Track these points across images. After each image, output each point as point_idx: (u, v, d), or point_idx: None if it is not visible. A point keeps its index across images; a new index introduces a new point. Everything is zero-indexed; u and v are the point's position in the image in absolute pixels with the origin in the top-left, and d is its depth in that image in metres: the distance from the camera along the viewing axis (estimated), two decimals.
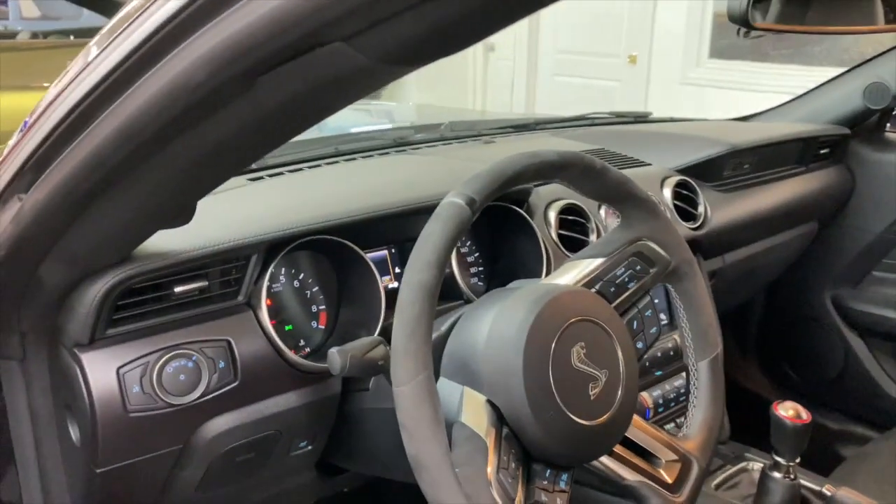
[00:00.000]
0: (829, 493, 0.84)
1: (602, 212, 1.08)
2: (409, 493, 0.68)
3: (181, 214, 0.62)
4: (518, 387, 0.64)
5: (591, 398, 0.67)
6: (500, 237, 1.02)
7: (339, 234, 0.83)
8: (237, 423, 0.77)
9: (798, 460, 1.00)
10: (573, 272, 0.77)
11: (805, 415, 0.98)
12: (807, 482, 1.01)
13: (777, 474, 1.00)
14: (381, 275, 0.88)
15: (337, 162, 1.11)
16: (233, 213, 0.81)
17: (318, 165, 1.08)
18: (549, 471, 0.68)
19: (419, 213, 0.85)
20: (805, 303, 1.69)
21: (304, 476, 0.92)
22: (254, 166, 1.05)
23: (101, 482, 0.72)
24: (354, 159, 1.13)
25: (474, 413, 0.66)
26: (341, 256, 0.87)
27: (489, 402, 0.66)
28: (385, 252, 0.94)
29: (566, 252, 1.00)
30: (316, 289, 0.88)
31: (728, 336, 1.76)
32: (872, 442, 1.32)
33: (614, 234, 0.78)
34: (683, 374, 1.13)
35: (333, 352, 0.66)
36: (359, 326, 0.87)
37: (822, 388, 1.67)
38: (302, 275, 0.87)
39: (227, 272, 0.76)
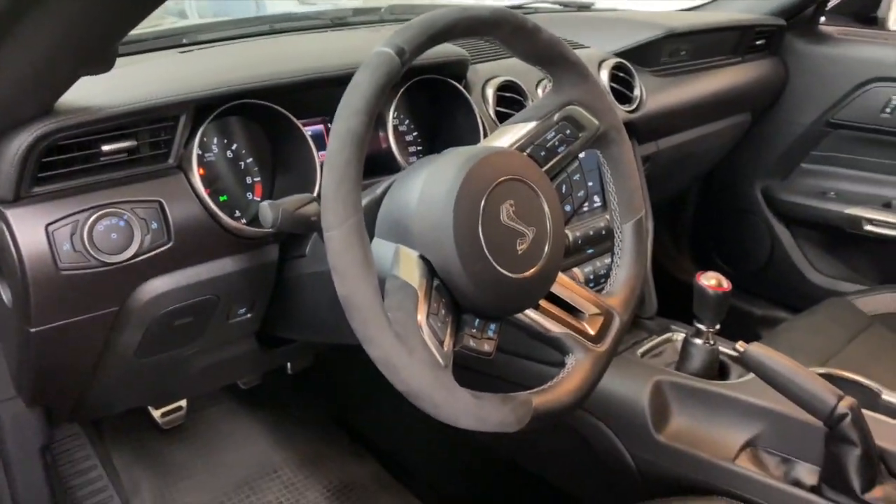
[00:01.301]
0: (741, 350, 0.90)
1: (539, 90, 1.09)
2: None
3: (101, 58, 0.60)
4: (448, 240, 0.66)
5: (519, 253, 0.70)
6: (438, 114, 1.03)
7: (273, 100, 0.82)
8: (173, 286, 0.77)
9: (718, 327, 1.06)
10: (505, 136, 0.78)
11: (726, 283, 1.04)
12: (724, 348, 1.08)
13: (698, 340, 1.07)
14: (318, 150, 0.87)
15: (272, 38, 1.09)
16: (161, 74, 0.79)
17: (252, 41, 1.06)
18: (477, 320, 0.72)
19: None
20: (736, 195, 1.75)
21: (244, 345, 0.94)
22: (184, 41, 1.02)
23: (36, 342, 0.73)
24: (290, 35, 1.11)
25: (407, 267, 0.67)
26: (276, 126, 0.86)
27: (421, 256, 0.68)
28: (321, 126, 0.94)
29: (498, 123, 1.01)
30: (250, 159, 0.88)
31: (661, 228, 1.82)
32: (787, 321, 1.41)
33: (546, 98, 0.79)
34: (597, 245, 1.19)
35: (265, 205, 0.67)
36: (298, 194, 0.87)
37: (749, 277, 1.76)
38: (235, 145, 0.86)
39: (155, 133, 0.75)
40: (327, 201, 0.60)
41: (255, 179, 0.88)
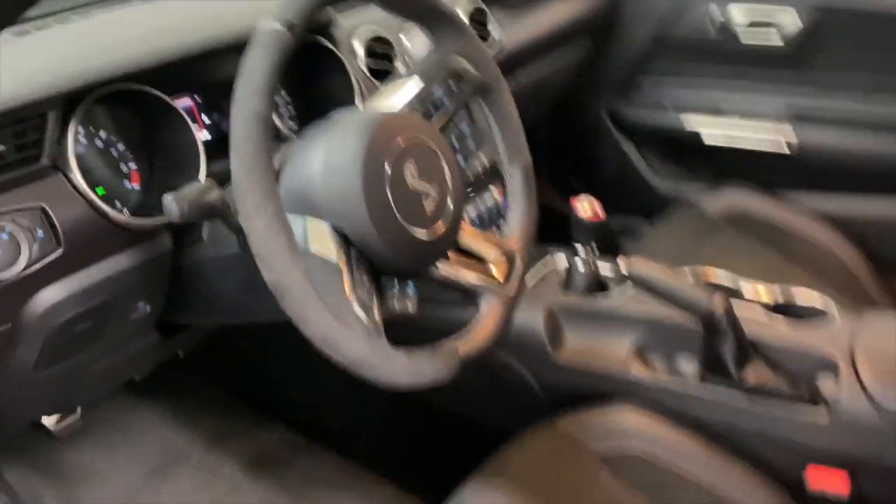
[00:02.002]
0: (624, 268, 0.99)
1: (408, 41, 1.09)
2: None
3: None
4: (360, 208, 0.67)
5: (427, 211, 0.72)
6: (307, 75, 1.01)
7: (141, 81, 0.77)
8: (69, 293, 0.73)
9: (595, 248, 1.15)
10: (394, 97, 0.79)
11: (600, 210, 1.13)
12: (603, 267, 1.17)
13: (580, 263, 1.16)
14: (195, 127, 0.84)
15: (111, 10, 1.00)
16: (14, 67, 0.72)
17: (89, 13, 0.97)
18: (396, 281, 0.74)
19: (228, 52, 0.81)
20: (584, 117, 1.85)
21: (146, 339, 0.91)
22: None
23: None
24: (130, 3, 1.02)
25: (320, 240, 0.68)
26: (145, 107, 0.81)
27: (333, 227, 0.69)
28: (190, 101, 0.89)
29: (376, 82, 1.01)
30: (122, 146, 0.83)
31: None
32: (646, 231, 1.54)
33: (428, 55, 0.81)
34: (494, 189, 1.23)
35: (168, 198, 0.64)
36: (178, 179, 0.83)
37: (602, 192, 1.88)
38: (104, 132, 0.81)
39: (21, 134, 0.69)
40: (242, 190, 0.59)
41: (131, 166, 0.84)
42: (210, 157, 0.83)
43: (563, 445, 0.98)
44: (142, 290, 0.82)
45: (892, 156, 1.50)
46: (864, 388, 0.90)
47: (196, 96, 0.89)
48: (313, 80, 1.01)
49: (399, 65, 1.06)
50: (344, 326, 0.63)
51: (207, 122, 0.90)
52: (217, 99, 0.90)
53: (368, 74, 1.01)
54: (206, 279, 0.83)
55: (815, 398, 0.93)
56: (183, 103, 0.87)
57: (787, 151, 1.56)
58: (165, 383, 1.31)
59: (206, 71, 0.86)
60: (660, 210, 1.63)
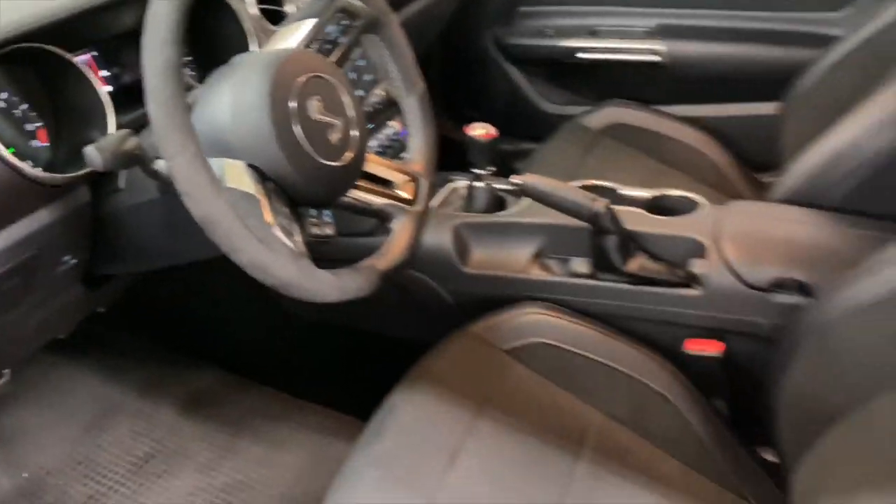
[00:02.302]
0: (519, 182, 1.08)
1: None
2: None
3: None
4: (271, 145, 0.73)
5: (333, 142, 0.78)
6: (201, 26, 1.02)
7: (39, 40, 0.79)
8: None
9: (491, 169, 1.24)
10: (291, 38, 0.84)
11: (493, 131, 1.22)
12: (500, 185, 1.27)
13: (479, 184, 1.25)
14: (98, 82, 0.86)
15: None
16: None
17: None
18: (313, 210, 0.80)
19: (121, 5, 0.83)
20: (471, 46, 1.92)
21: (72, 292, 0.94)
22: None
23: None
24: None
25: (238, 178, 0.74)
26: (45, 66, 0.83)
27: (249, 165, 0.74)
28: (88, 56, 0.91)
29: (271, 26, 1.04)
30: (25, 106, 0.84)
31: None
32: (535, 150, 1.65)
33: None
34: (390, 121, 1.30)
35: (90, 150, 0.68)
36: (86, 133, 0.86)
37: (495, 119, 1.97)
38: (4, 93, 0.82)
39: None
40: (163, 133, 0.64)
41: (37, 125, 0.85)
42: (115, 110, 0.85)
43: (477, 346, 1.09)
44: (66, 243, 0.85)
45: (752, 63, 1.66)
46: (729, 266, 1.05)
47: (94, 51, 0.91)
48: (208, 30, 1.03)
49: (289, 7, 1.09)
50: (271, 251, 0.69)
51: (107, 75, 0.92)
52: (115, 52, 0.92)
53: (261, 18, 1.04)
54: (128, 227, 0.87)
55: (689, 280, 1.07)
56: (82, 59, 0.88)
57: (658, 60, 1.69)
58: (90, 340, 1.33)
59: (102, 26, 0.88)
60: (549, 132, 1.73)
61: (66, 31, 0.82)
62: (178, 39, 0.65)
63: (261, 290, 1.31)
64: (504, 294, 1.15)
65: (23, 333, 0.93)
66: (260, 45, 1.01)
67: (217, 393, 1.35)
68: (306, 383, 1.37)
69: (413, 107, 0.94)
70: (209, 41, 1.02)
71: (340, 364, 1.36)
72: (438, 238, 1.17)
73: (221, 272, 1.30)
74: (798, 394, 0.93)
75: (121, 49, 0.94)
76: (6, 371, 1.15)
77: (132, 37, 0.93)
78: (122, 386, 1.34)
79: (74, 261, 0.88)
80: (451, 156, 1.36)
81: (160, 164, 0.74)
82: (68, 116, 0.86)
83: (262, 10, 1.06)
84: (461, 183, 1.29)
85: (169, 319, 1.44)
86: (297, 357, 1.41)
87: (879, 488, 0.74)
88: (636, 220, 1.11)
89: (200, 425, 1.29)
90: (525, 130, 1.91)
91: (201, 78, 0.98)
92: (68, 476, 1.20)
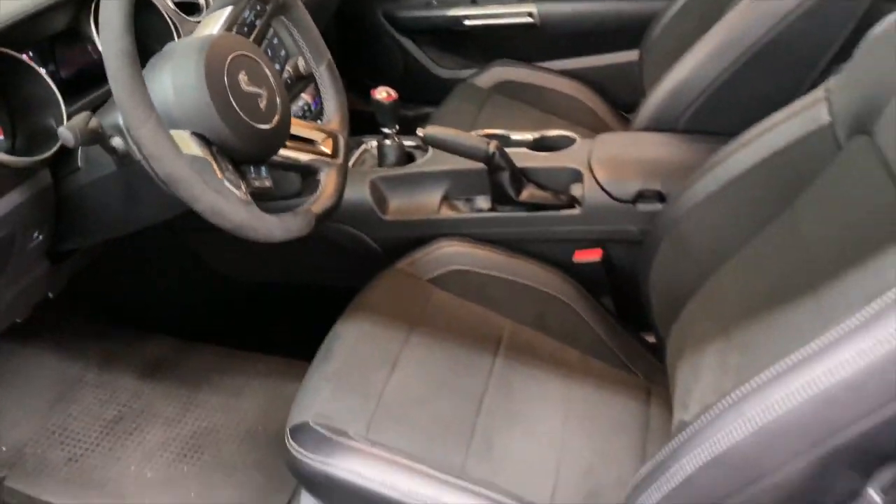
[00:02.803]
0: (422, 134, 1.26)
1: None
2: None
3: None
4: (213, 115, 0.88)
5: (263, 109, 0.94)
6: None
7: None
8: None
9: (397, 128, 1.42)
10: (213, 24, 0.98)
11: (394, 93, 1.39)
12: (407, 141, 1.44)
13: (388, 141, 1.42)
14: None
15: None
16: None
17: None
18: (252, 167, 0.96)
19: (56, 9, 0.95)
20: (364, 22, 2.07)
21: (39, 268, 1.06)
22: None
23: None
24: None
25: (187, 145, 0.88)
26: None
27: (193, 133, 0.88)
28: (25, 55, 1.01)
29: (187, 17, 1.17)
30: None
31: None
32: (435, 111, 1.83)
33: None
34: (303, 94, 1.45)
35: (63, 129, 0.81)
36: (41, 122, 0.97)
37: (394, 86, 2.14)
38: None
39: None
40: (128, 109, 0.78)
41: None
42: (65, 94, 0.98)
43: (403, 279, 1.27)
44: (34, 221, 0.97)
45: (612, 17, 1.89)
46: (601, 186, 1.27)
47: (29, 52, 1.02)
48: (137, 24, 1.14)
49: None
50: (226, 199, 0.84)
51: (48, 69, 1.03)
52: (49, 52, 1.04)
53: (178, 11, 1.17)
54: (89, 200, 0.99)
55: (571, 201, 1.29)
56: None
57: (533, 21, 1.89)
58: (44, 324, 1.43)
59: (38, 29, 0.99)
60: (444, 94, 1.92)
61: (10, 35, 0.93)
62: (130, 29, 0.78)
63: (199, 260, 1.45)
64: (421, 234, 1.33)
65: None
66: (180, 34, 1.14)
67: (171, 358, 1.48)
68: (253, 338, 1.52)
69: (324, 75, 1.10)
70: (138, 33, 1.14)
71: (283, 316, 1.52)
72: (358, 192, 1.33)
73: (162, 248, 1.44)
74: (662, 280, 1.16)
75: (54, 49, 1.05)
76: None
77: (63, 37, 1.05)
78: (81, 362, 1.45)
79: (41, 237, 1.00)
80: (359, 124, 1.53)
81: (116, 141, 0.88)
82: (22, 110, 0.98)
83: (178, 4, 1.18)
84: (372, 143, 1.46)
85: (116, 298, 1.55)
86: (241, 316, 1.55)
87: (721, 336, 0.97)
88: (524, 158, 1.32)
89: (161, 386, 1.42)
90: (422, 96, 2.09)
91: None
92: (45, 444, 1.31)
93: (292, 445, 0.98)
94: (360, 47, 2.10)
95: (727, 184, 1.04)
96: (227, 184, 0.87)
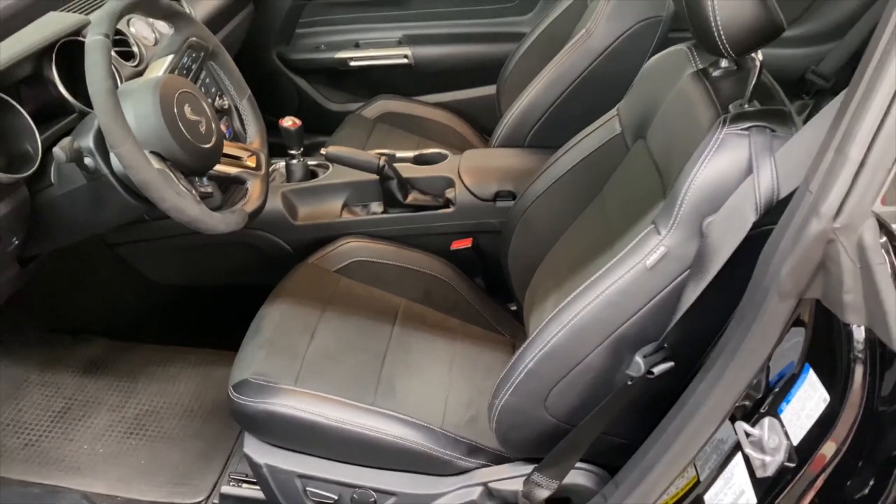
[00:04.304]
0: (324, 152, 1.57)
1: (135, 31, 1.50)
2: None
3: None
4: (167, 136, 1.14)
5: (203, 132, 1.21)
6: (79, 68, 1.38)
7: None
8: None
9: (302, 150, 1.71)
10: (159, 68, 1.25)
11: (298, 121, 1.68)
12: (311, 161, 1.74)
13: (294, 161, 1.71)
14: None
15: None
16: None
17: None
18: (196, 178, 1.23)
19: (25, 59, 1.19)
20: (262, 63, 2.35)
21: (10, 270, 1.27)
22: None
23: None
24: None
25: (148, 161, 1.14)
26: None
27: (152, 151, 1.15)
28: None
29: (127, 63, 1.43)
30: None
31: None
32: (328, 139, 2.13)
33: (173, 38, 1.27)
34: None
35: (57, 149, 1.06)
36: (20, 148, 1.20)
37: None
38: None
39: None
40: (111, 131, 1.03)
41: None
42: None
43: (314, 271, 1.55)
44: (14, 228, 1.19)
45: (473, 58, 2.27)
46: (468, 190, 1.61)
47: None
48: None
49: (135, 48, 1.47)
50: (184, 199, 1.11)
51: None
52: (16, 93, 1.27)
53: (118, 58, 1.43)
54: (61, 210, 1.22)
55: (446, 203, 1.63)
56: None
57: (408, 62, 2.25)
58: None
59: (10, 73, 1.22)
60: (335, 124, 2.23)
61: None
62: (111, 74, 1.05)
63: (131, 269, 1.67)
64: (326, 235, 1.63)
65: None
66: (122, 78, 1.39)
67: (109, 357, 1.69)
68: (182, 337, 1.74)
69: (246, 106, 1.39)
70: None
71: (209, 315, 1.75)
72: (272, 203, 1.61)
73: (96, 260, 1.66)
74: (517, 258, 1.51)
75: (20, 90, 1.28)
76: None
77: (29, 80, 1.28)
78: (23, 365, 1.63)
79: (17, 242, 1.22)
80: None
81: (88, 160, 1.13)
82: (1, 139, 1.20)
83: (118, 52, 1.43)
84: (280, 163, 1.75)
85: (55, 306, 1.74)
86: (171, 317, 1.77)
87: (555, 289, 1.32)
88: (408, 170, 1.65)
89: (102, 381, 1.62)
90: (316, 126, 2.38)
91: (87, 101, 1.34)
92: (1, 434, 1.49)
93: (236, 396, 1.24)
94: (260, 86, 2.37)
95: (557, 181, 1.40)
96: (182, 188, 1.14)
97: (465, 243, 1.63)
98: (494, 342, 1.51)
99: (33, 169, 1.17)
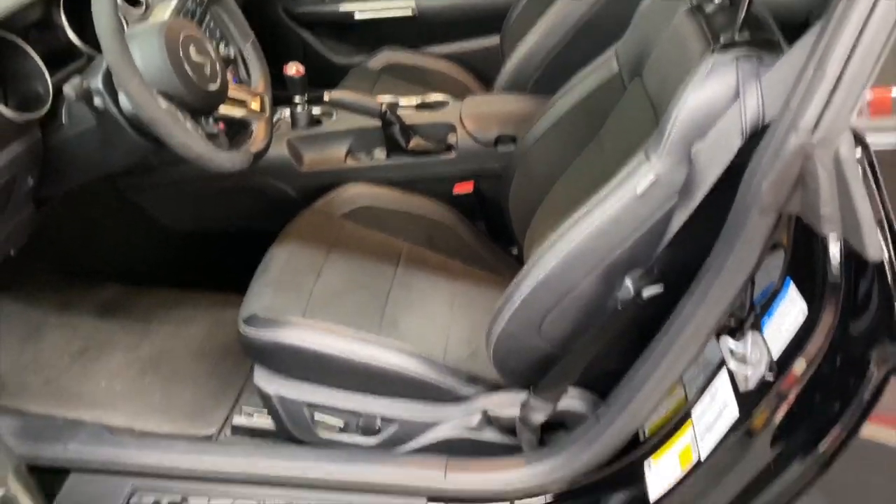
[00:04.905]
0: (328, 97, 1.60)
1: None
2: None
3: None
4: (172, 77, 1.17)
5: (208, 74, 1.24)
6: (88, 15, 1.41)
7: None
8: None
9: (306, 96, 1.74)
10: (164, 12, 1.28)
11: (302, 68, 1.71)
12: (315, 108, 1.77)
13: (299, 108, 1.74)
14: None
15: None
16: None
17: None
18: (202, 116, 1.26)
19: (32, 5, 1.22)
20: (266, 16, 2.36)
21: (27, 210, 1.32)
22: None
23: None
24: None
25: (157, 99, 1.18)
26: None
27: (159, 91, 1.18)
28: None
29: (132, 8, 1.45)
30: None
31: None
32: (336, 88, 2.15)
33: None
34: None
35: (67, 87, 1.10)
36: (31, 90, 1.24)
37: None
38: None
39: None
40: (119, 70, 1.07)
41: None
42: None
43: (320, 216, 1.59)
44: (29, 168, 1.23)
45: (476, 8, 2.27)
46: (470, 135, 1.64)
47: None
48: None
49: None
50: (191, 137, 1.15)
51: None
52: (26, 37, 1.30)
53: (125, 3, 1.45)
54: (72, 149, 1.26)
55: (448, 148, 1.66)
56: None
57: (412, 14, 2.26)
58: (5, 279, 1.66)
59: (20, 17, 1.25)
60: (340, 75, 2.25)
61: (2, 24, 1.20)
62: (117, 13, 1.08)
63: (142, 213, 1.72)
64: (331, 182, 1.66)
65: None
66: (128, 23, 1.42)
67: (123, 300, 1.74)
68: (193, 281, 1.79)
69: (250, 50, 1.42)
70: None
71: (217, 261, 1.80)
72: (277, 150, 1.65)
73: (108, 205, 1.71)
74: (518, 201, 1.54)
75: (29, 34, 1.31)
76: None
77: (39, 26, 1.31)
78: (41, 308, 1.69)
79: (32, 182, 1.26)
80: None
81: (97, 100, 1.17)
82: (12, 82, 1.24)
83: None
84: (285, 111, 1.78)
85: (69, 252, 1.79)
86: (181, 263, 1.82)
87: (552, 229, 1.35)
88: (410, 117, 1.68)
89: (116, 323, 1.68)
90: (321, 80, 2.40)
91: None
92: (22, 372, 1.55)
93: (246, 329, 1.29)
94: (265, 40, 2.39)
95: (556, 122, 1.43)
96: (189, 126, 1.18)
97: (467, 188, 1.66)
98: (495, 283, 1.54)
99: (45, 109, 1.21)
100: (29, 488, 0.84)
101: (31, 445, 1.24)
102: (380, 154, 1.68)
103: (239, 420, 1.42)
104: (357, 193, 1.63)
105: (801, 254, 0.85)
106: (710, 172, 0.91)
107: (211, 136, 1.26)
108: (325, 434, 1.30)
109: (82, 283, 1.77)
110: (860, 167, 0.73)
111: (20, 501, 0.81)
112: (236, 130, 1.48)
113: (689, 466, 0.95)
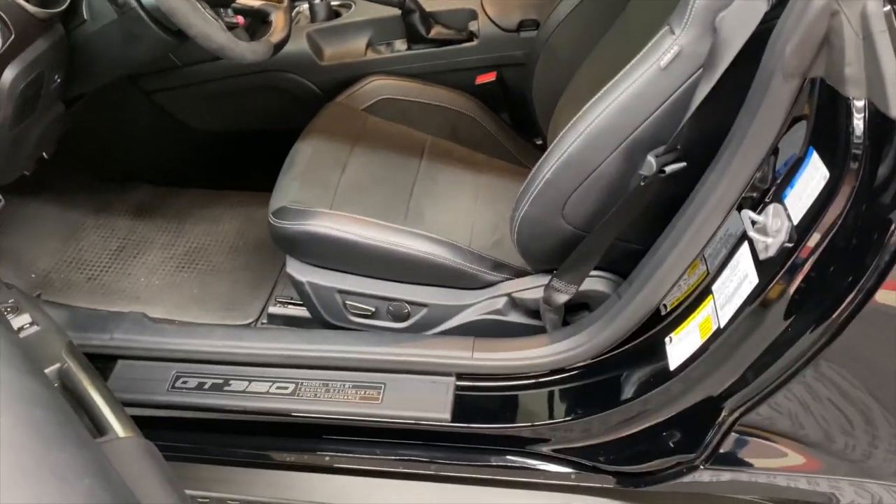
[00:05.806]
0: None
1: None
2: None
3: None
4: None
5: None
6: None
7: None
8: (20, 68, 1.15)
9: None
10: None
11: None
12: (333, 1, 1.74)
13: (318, 1, 1.71)
14: None
15: None
16: None
17: None
18: (221, 10, 1.26)
19: None
20: None
21: (57, 108, 1.34)
22: None
23: None
24: None
25: None
26: None
27: None
28: None
29: None
30: None
31: None
32: None
33: None
34: None
35: None
36: None
37: None
38: None
39: None
40: None
41: None
42: None
43: (343, 110, 1.59)
44: (56, 64, 1.25)
45: None
46: (492, 21, 1.61)
47: None
48: None
49: None
50: (211, 27, 1.15)
51: None
52: None
53: None
54: (95, 46, 1.27)
55: (470, 35, 1.63)
56: None
57: None
58: (42, 182, 1.70)
59: None
60: None
61: None
62: None
63: (169, 116, 1.73)
64: (353, 75, 1.66)
65: (25, 147, 1.32)
66: None
67: (156, 202, 1.79)
68: (223, 181, 1.83)
69: None
70: None
71: (244, 160, 1.83)
72: (296, 43, 1.64)
73: (135, 108, 1.72)
74: (541, 88, 1.53)
75: None
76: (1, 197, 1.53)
77: None
78: (79, 210, 1.74)
79: (59, 80, 1.28)
80: None
81: None
82: None
83: None
84: (304, 5, 1.75)
85: (100, 156, 1.83)
86: (210, 163, 1.85)
87: (577, 111, 1.34)
88: (431, 3, 1.64)
89: (151, 222, 1.73)
90: None
91: None
92: (66, 270, 1.62)
93: (276, 221, 1.32)
94: None
95: (580, 3, 1.40)
96: (210, 17, 1.17)
97: (490, 77, 1.64)
98: (519, 174, 1.55)
99: (66, 3, 1.21)
100: (82, 363, 0.90)
101: (79, 335, 1.31)
102: (400, 45, 1.66)
103: (274, 309, 1.48)
104: (379, 86, 1.62)
105: (825, 123, 0.84)
106: (735, 41, 0.89)
107: (231, 27, 1.26)
108: (357, 320, 1.35)
109: (116, 185, 1.82)
110: (887, 22, 0.71)
111: (75, 374, 0.87)
112: (256, 27, 1.48)
113: (708, 335, 0.98)
